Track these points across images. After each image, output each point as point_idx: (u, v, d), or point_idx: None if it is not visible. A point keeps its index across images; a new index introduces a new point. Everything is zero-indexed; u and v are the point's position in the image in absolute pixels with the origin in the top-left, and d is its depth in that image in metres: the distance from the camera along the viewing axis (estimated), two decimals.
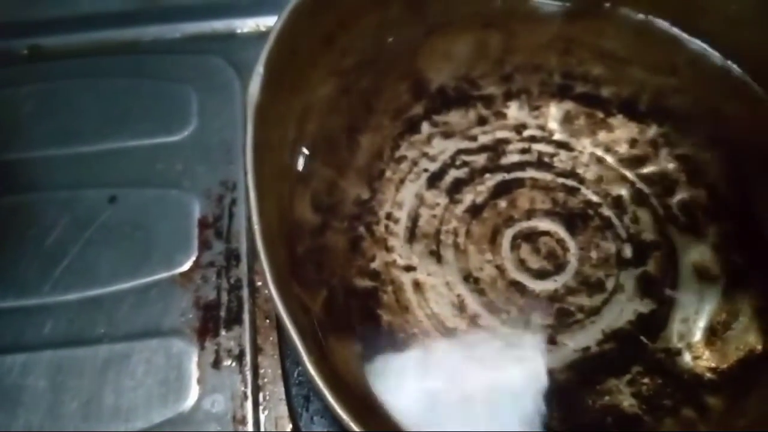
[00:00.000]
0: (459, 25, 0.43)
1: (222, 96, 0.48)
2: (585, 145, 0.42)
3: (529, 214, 0.40)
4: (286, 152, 0.35)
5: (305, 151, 0.37)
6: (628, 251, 0.39)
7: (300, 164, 0.37)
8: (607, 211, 0.40)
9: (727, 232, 0.39)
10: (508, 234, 0.40)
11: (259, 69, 0.30)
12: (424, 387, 0.35)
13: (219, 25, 0.51)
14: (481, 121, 0.43)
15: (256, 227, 0.26)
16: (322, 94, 0.38)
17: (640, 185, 0.41)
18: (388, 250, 0.39)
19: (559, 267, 0.39)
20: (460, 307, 0.38)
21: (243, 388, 0.39)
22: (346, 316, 0.36)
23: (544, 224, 0.40)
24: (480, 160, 0.42)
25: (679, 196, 0.41)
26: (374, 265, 0.38)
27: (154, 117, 0.47)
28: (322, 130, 0.39)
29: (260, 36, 0.51)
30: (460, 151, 0.42)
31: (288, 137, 0.36)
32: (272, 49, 0.31)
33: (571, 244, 0.40)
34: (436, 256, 0.39)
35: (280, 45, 0.31)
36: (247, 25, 0.51)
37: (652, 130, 0.42)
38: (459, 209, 0.40)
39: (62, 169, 0.45)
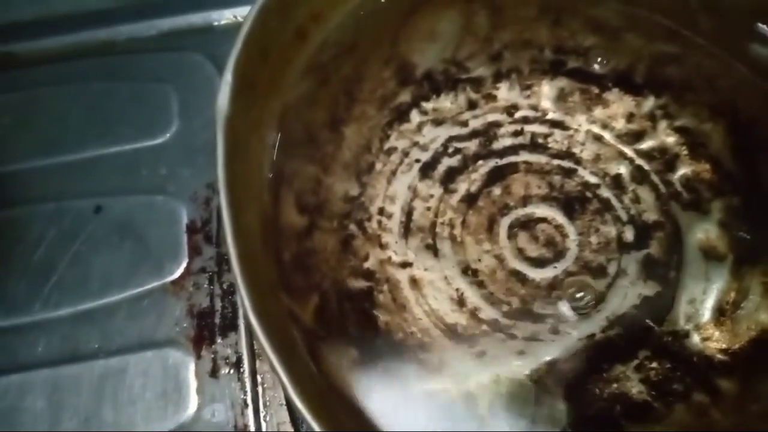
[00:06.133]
0: (441, 2, 0.41)
1: (203, 93, 0.47)
2: (580, 123, 0.40)
3: (525, 200, 0.39)
4: (266, 156, 0.34)
5: (287, 150, 0.36)
6: (629, 233, 0.38)
7: (282, 165, 0.35)
8: (606, 192, 0.39)
9: (733, 208, 0.38)
10: (505, 222, 0.38)
11: (227, 77, 0.28)
12: (424, 387, 0.34)
13: (195, 18, 0.50)
14: (472, 105, 0.41)
15: (232, 251, 0.24)
16: (301, 90, 0.36)
17: (639, 162, 0.39)
18: (382, 247, 0.38)
19: (559, 254, 0.37)
20: (460, 301, 0.36)
21: (242, 396, 0.39)
22: (340, 322, 0.35)
23: (541, 210, 0.39)
24: (472, 146, 0.40)
25: (681, 171, 0.39)
26: (368, 264, 0.37)
27: (135, 120, 0.46)
28: (302, 127, 0.37)
29: (239, 28, 0.49)
30: (451, 138, 0.40)
31: (267, 141, 0.34)
32: (241, 54, 0.29)
33: (570, 229, 0.38)
34: (433, 250, 0.38)
35: (249, 48, 0.30)
36: (224, 17, 0.50)
37: (650, 102, 0.40)
38: (454, 199, 0.39)
39: (45, 180, 0.44)
